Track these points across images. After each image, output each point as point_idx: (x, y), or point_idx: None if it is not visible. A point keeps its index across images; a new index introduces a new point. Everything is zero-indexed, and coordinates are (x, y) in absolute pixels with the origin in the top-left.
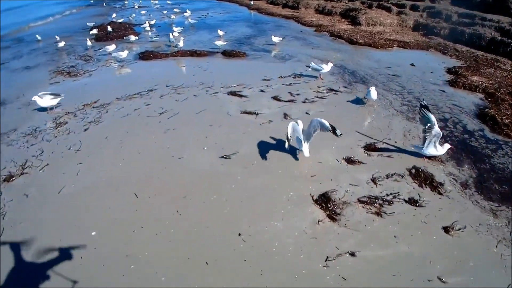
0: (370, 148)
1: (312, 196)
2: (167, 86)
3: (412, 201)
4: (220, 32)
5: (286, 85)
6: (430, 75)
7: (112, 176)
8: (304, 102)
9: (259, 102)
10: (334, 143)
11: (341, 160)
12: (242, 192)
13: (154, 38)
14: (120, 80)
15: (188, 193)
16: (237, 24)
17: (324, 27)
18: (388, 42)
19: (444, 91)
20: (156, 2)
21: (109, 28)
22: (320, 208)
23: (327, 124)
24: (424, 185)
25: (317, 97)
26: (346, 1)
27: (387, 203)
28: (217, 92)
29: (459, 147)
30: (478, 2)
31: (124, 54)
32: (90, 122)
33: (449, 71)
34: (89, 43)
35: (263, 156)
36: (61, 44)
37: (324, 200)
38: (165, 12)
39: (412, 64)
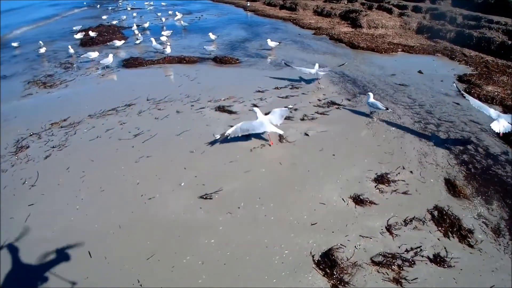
0: (382, 180)
1: (313, 256)
2: (147, 100)
3: (438, 259)
4: (212, 36)
5: (282, 97)
6: (441, 84)
7: (64, 227)
8: (302, 119)
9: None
10: (340, 175)
11: (348, 200)
12: (224, 250)
13: (140, 43)
14: (97, 92)
15: (156, 251)
16: (232, 27)
17: (323, 29)
18: (392, 46)
19: (458, 104)
20: (152, 3)
21: (92, 33)
22: (324, 275)
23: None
24: (450, 234)
25: (317, 112)
26: (345, 2)
27: (407, 263)
28: (203, 108)
29: (485, 177)
30: (480, 3)
31: (110, 59)
32: (53, 147)
33: (460, 79)
34: (71, 50)
35: (253, 196)
36: (42, 50)
37: (328, 263)
38: (159, 14)
39: (420, 71)
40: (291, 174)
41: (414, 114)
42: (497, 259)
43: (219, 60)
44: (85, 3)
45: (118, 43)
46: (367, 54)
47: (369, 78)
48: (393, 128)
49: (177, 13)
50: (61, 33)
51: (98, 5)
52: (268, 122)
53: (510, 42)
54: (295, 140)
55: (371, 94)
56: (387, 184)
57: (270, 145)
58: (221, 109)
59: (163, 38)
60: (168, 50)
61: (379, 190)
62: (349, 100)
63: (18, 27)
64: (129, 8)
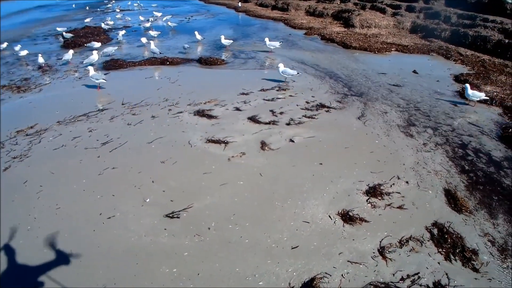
0: (374, 193)
1: None
2: (122, 104)
3: None
4: (198, 36)
5: (268, 100)
6: (437, 84)
7: (10, 260)
8: (288, 124)
9: (232, 125)
10: (327, 187)
11: (335, 218)
12: (187, 283)
13: (122, 44)
14: (71, 96)
15: (109, 282)
16: (221, 27)
17: (315, 29)
18: (385, 46)
19: (456, 105)
20: (142, 5)
21: (66, 35)
22: None
23: None
24: (453, 257)
25: (305, 116)
26: (338, 2)
27: None
28: (181, 112)
29: (488, 187)
30: (473, 3)
31: (95, 56)
32: (14, 158)
33: (457, 79)
34: (40, 60)
35: (226, 214)
36: (24, 53)
37: None
38: (141, 18)
39: (414, 71)
40: (272, 188)
41: (409, 117)
42: (505, 284)
43: (204, 61)
44: (74, 5)
45: (96, 44)
46: (359, 54)
47: (361, 79)
48: (387, 133)
49: (154, 12)
50: (46, 35)
51: (87, 7)
52: None
53: (507, 41)
54: (279, 148)
55: (281, 65)
56: (380, 198)
57: None
58: (200, 113)
59: (143, 40)
60: (152, 46)
61: (371, 205)
62: (339, 102)
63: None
64: (118, 10)
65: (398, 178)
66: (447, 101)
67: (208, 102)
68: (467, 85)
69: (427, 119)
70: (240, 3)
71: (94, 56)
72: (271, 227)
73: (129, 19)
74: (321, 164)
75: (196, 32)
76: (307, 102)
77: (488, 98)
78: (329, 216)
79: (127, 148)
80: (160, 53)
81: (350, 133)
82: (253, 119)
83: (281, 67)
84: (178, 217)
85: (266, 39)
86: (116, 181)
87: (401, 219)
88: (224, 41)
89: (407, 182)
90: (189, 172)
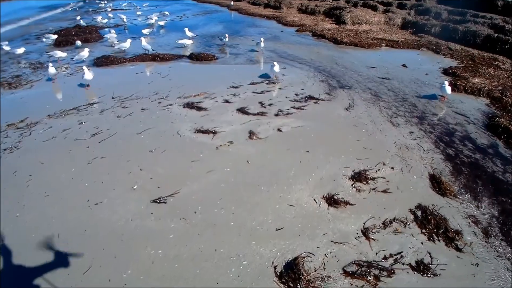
0: (359, 178)
1: (275, 267)
2: (113, 98)
3: (421, 267)
4: (189, 33)
5: (257, 93)
6: (425, 77)
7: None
8: (277, 115)
9: (221, 116)
10: (313, 173)
11: (320, 201)
12: (172, 263)
13: (113, 42)
14: (62, 91)
15: (94, 263)
16: (213, 25)
17: (307, 26)
18: (375, 41)
19: (443, 96)
20: (134, 3)
21: (53, 36)
22: None
23: None
24: (436, 237)
25: (293, 107)
26: (330, 0)
27: (385, 272)
28: (171, 104)
29: (474, 173)
30: (465, 0)
31: (85, 53)
32: (4, 150)
33: (445, 72)
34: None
35: (213, 198)
36: (20, 50)
37: (292, 275)
38: (123, 16)
39: (403, 65)
40: (259, 174)
41: (397, 107)
42: (488, 264)
43: (195, 57)
44: (71, 3)
45: (79, 43)
46: (350, 49)
47: (350, 73)
48: (374, 122)
49: (138, 9)
50: (38, 34)
51: (78, 8)
52: None
53: (496, 35)
54: (267, 137)
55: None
56: (365, 182)
57: None
58: (190, 105)
59: (122, 43)
60: (127, 44)
61: (356, 189)
62: (328, 94)
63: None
64: (109, 10)
65: (384, 164)
66: (434, 93)
67: (198, 95)
68: (446, 82)
69: (414, 109)
70: (232, 1)
71: (85, 53)
72: (257, 210)
73: (122, 16)
74: (308, 152)
75: (186, 29)
76: (296, 95)
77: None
78: (314, 200)
79: (117, 139)
80: (153, 49)
81: (338, 122)
82: (242, 110)
83: (276, 67)
84: (165, 202)
85: (261, 39)
86: (105, 170)
87: (385, 202)
88: (188, 33)
89: (392, 168)
90: (177, 160)
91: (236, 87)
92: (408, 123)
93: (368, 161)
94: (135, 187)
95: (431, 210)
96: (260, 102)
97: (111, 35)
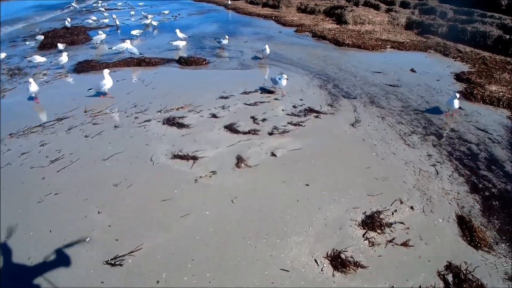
0: (372, 224)
1: None
2: (85, 111)
3: None
4: (180, 34)
5: (249, 105)
6: (437, 84)
7: None
8: (271, 133)
9: (205, 135)
10: (314, 218)
11: (323, 262)
12: None
13: (98, 45)
14: (32, 103)
15: None
16: (207, 25)
17: (306, 26)
18: (380, 43)
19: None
20: (129, 3)
21: (40, 38)
22: None
23: None
24: None
25: (291, 123)
26: None
27: None
28: (149, 120)
29: (507, 210)
30: None
31: (64, 58)
32: None
33: (458, 78)
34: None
35: (183, 258)
36: (2, 55)
37: None
38: (114, 16)
39: (412, 70)
40: (246, 219)
41: (409, 122)
42: None
43: (184, 61)
44: (74, 4)
45: (61, 46)
46: (352, 51)
47: (355, 79)
48: (385, 142)
49: (148, 15)
50: (26, 36)
51: (71, 7)
52: None
53: (507, 37)
54: (258, 164)
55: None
56: (380, 231)
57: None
58: (170, 122)
59: (121, 44)
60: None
61: (369, 242)
62: (330, 105)
63: None
64: (103, 9)
65: (401, 202)
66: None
67: (182, 108)
68: (457, 95)
69: (429, 124)
70: (229, 0)
71: (63, 58)
72: (238, 279)
73: (115, 16)
74: (307, 185)
75: (177, 31)
76: (294, 107)
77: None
78: (315, 261)
79: (79, 167)
80: (140, 53)
81: (343, 143)
82: (230, 128)
83: (285, 80)
84: (121, 265)
85: (266, 46)
86: (56, 211)
87: (407, 261)
88: (180, 34)
89: (411, 208)
90: (145, 198)
91: (226, 98)
92: (424, 143)
93: (382, 197)
94: (87, 240)
95: (465, 272)
96: (252, 117)
97: (98, 37)
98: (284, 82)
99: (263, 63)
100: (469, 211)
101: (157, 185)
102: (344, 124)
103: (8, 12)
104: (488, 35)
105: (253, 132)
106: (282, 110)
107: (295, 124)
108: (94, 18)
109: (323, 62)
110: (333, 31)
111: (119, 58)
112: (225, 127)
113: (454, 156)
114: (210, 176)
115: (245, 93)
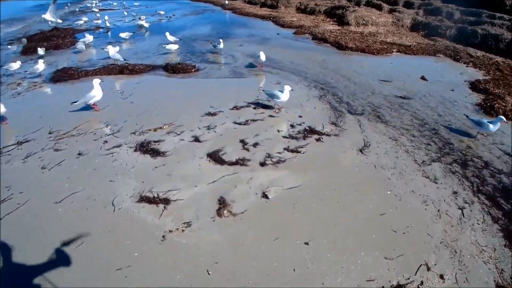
0: None
1: None
2: (50, 133)
3: None
4: (170, 38)
5: (240, 124)
6: (452, 95)
7: None
8: (263, 164)
9: (183, 167)
10: None
11: None
12: None
13: (83, 48)
14: None
15: None
16: (202, 27)
17: (306, 28)
18: (385, 46)
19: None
20: (124, 2)
21: (24, 40)
22: None
23: None
24: None
25: (287, 149)
26: None
27: None
28: (119, 146)
29: None
30: None
31: (40, 66)
32: None
33: (473, 87)
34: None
35: None
36: None
37: None
38: (106, 17)
39: (423, 78)
40: None
41: (426, 145)
42: None
43: (171, 69)
44: (69, 4)
45: (40, 51)
46: (356, 55)
47: (360, 90)
48: (401, 175)
49: (141, 17)
50: (13, 39)
51: (66, 7)
52: None
53: None
54: (245, 211)
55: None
56: None
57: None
58: (144, 147)
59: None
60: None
61: None
62: (334, 124)
63: None
64: (97, 10)
65: (428, 269)
66: (469, 119)
67: (160, 128)
68: (502, 117)
69: (450, 148)
70: (227, 0)
71: (39, 66)
72: None
73: (107, 18)
74: (307, 243)
75: (167, 34)
76: (292, 126)
77: None
78: None
79: (25, 212)
80: (124, 59)
81: (351, 177)
82: (214, 156)
83: (286, 94)
84: None
85: (261, 53)
86: None
87: None
88: (170, 38)
89: (441, 277)
90: (96, 265)
91: (213, 115)
92: (448, 175)
93: (403, 261)
94: None
95: None
96: (241, 141)
97: (84, 40)
98: (284, 97)
99: (258, 71)
100: (511, 276)
101: (114, 244)
102: (351, 149)
103: (8, 12)
104: (500, 38)
105: (242, 162)
106: (278, 131)
107: (292, 151)
108: (85, 19)
109: (324, 69)
110: (334, 33)
111: (103, 64)
112: (209, 155)
113: (483, 192)
114: (183, 230)
115: (235, 108)
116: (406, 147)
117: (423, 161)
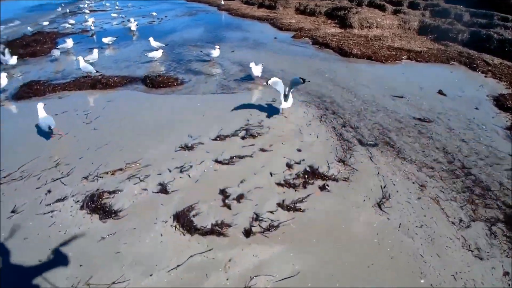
0: None
1: None
2: None
3: None
4: (154, 43)
5: (222, 162)
6: (477, 114)
7: None
8: (249, 233)
9: (138, 240)
10: None
11: None
12: None
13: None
14: None
15: None
16: (194, 29)
17: (306, 31)
18: (393, 52)
19: None
20: (117, 3)
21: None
22: None
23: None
24: None
25: (282, 205)
26: None
27: None
28: (64, 198)
29: None
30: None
31: (3, 81)
32: None
33: (499, 104)
34: None
35: None
36: None
37: None
38: (94, 19)
39: (440, 92)
40: None
41: (461, 194)
42: None
43: (151, 82)
44: (63, 4)
45: (12, 60)
46: (362, 63)
47: (371, 110)
48: (435, 248)
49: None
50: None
51: (60, 8)
52: None
53: None
54: None
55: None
56: None
57: None
58: (94, 203)
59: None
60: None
61: None
62: (342, 162)
63: None
64: (88, 11)
65: None
66: (501, 150)
67: (120, 170)
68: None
69: (488, 196)
70: (223, 1)
71: (2, 81)
72: None
73: (93, 20)
74: None
75: (151, 39)
76: (289, 166)
77: None
78: None
79: None
80: (97, 71)
81: (369, 257)
82: (183, 219)
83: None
84: None
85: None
86: None
87: None
88: (153, 43)
89: None
90: None
91: (190, 148)
92: (494, 245)
93: None
94: None
95: None
96: (222, 192)
97: (59, 48)
98: (287, 104)
99: (253, 83)
100: None
101: None
102: (367, 205)
103: (8, 12)
104: None
105: (219, 230)
106: (271, 175)
107: (288, 208)
108: (72, 21)
109: (327, 81)
110: (336, 37)
111: (75, 76)
112: (176, 216)
113: None
114: None
115: (219, 138)
116: (437, 199)
117: (460, 220)
